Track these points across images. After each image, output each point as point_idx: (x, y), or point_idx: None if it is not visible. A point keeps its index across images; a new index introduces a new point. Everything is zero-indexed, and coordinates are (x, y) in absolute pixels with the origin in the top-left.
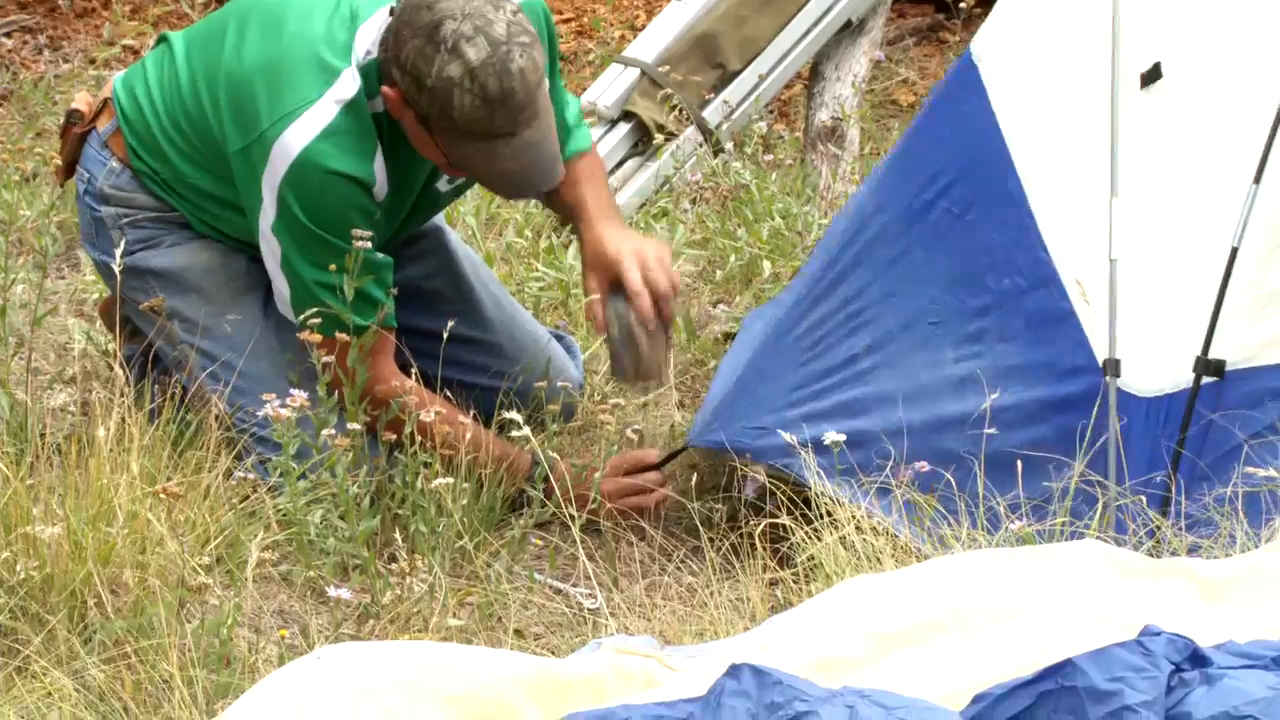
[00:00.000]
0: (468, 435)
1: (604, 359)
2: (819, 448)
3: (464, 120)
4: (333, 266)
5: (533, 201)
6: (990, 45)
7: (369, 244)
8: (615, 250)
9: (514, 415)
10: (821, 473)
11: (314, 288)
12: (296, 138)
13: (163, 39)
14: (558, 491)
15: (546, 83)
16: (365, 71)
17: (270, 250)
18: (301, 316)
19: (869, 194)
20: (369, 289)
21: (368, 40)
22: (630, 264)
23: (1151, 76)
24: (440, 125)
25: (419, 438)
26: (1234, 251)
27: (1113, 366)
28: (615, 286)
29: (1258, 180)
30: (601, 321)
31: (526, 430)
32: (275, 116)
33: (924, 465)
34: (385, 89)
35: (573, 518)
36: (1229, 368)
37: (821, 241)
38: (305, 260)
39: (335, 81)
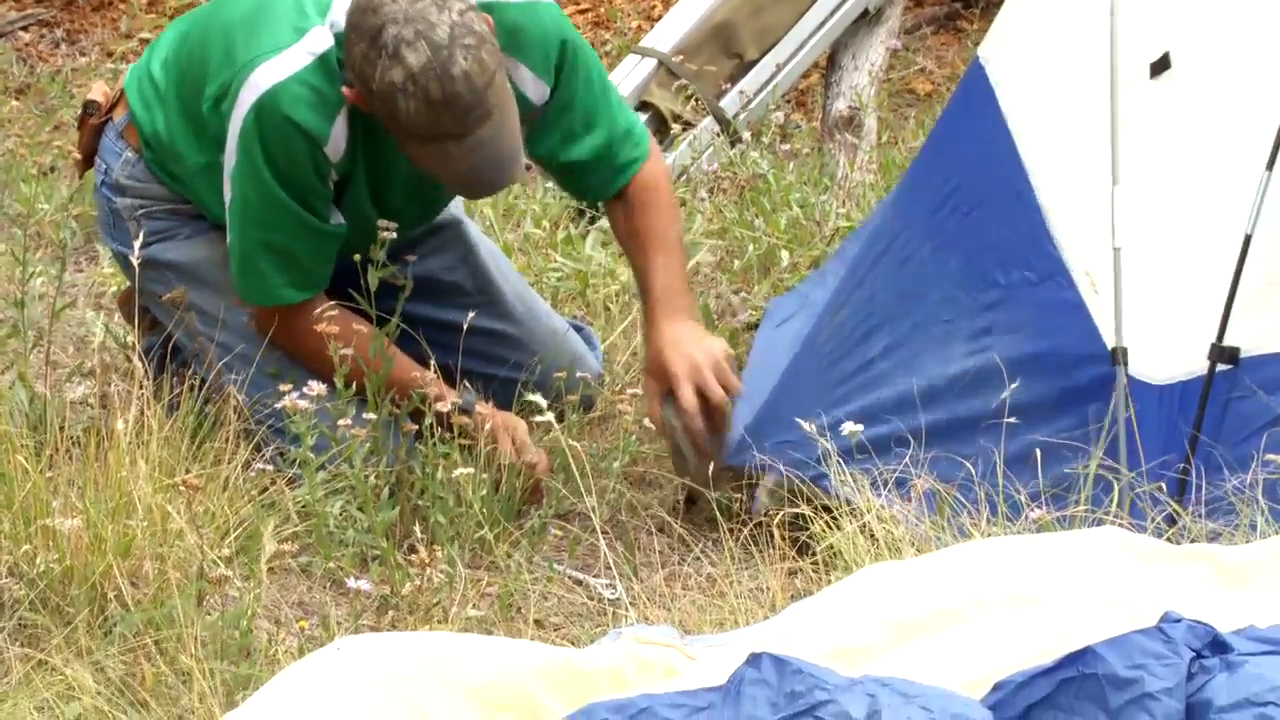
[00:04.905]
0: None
1: (622, 349)
2: (841, 451)
3: (411, 124)
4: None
5: (551, 190)
6: (998, 46)
7: (394, 233)
8: (671, 361)
9: (536, 398)
10: (841, 461)
11: (251, 248)
12: (265, 76)
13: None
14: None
15: (503, 79)
16: (338, 38)
17: (227, 200)
18: (237, 284)
19: (888, 206)
20: (304, 255)
21: (342, 11)
22: (684, 380)
23: (1161, 66)
24: (391, 127)
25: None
26: (1247, 238)
27: (1121, 355)
28: (671, 392)
29: (1270, 166)
30: (660, 425)
31: (550, 416)
32: (249, 56)
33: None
34: (345, 89)
35: (594, 509)
36: (1243, 355)
37: (840, 249)
38: (249, 217)
39: (308, 34)
